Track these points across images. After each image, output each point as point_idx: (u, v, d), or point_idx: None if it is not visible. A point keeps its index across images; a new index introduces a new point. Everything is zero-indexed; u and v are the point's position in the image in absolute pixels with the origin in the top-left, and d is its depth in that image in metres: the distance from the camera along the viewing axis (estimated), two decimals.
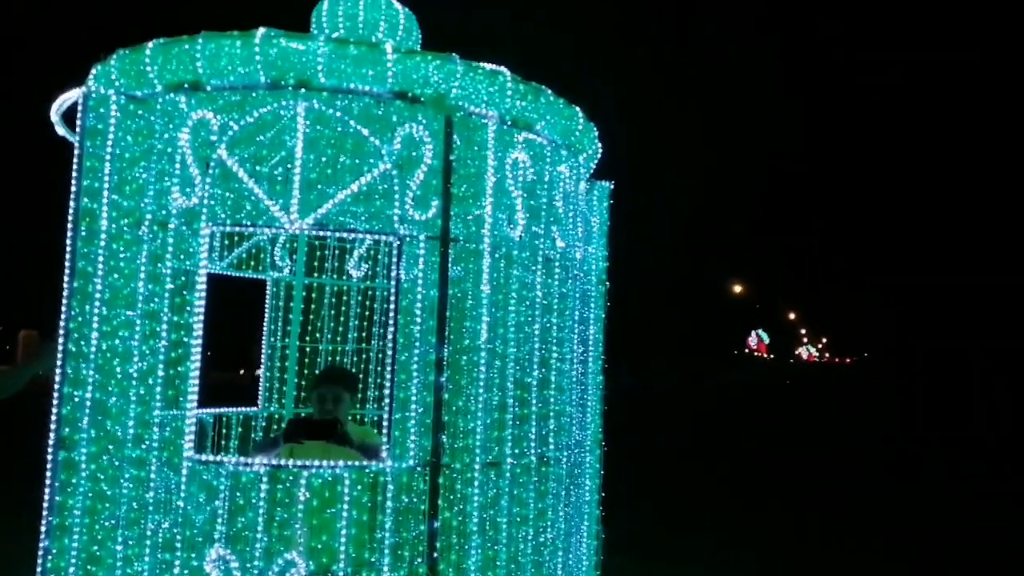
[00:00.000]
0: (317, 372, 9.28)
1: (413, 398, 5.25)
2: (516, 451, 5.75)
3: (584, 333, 7.20)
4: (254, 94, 5.21)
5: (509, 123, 5.89)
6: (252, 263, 8.69)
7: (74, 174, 5.42)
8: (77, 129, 5.56)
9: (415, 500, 5.19)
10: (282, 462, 5.08)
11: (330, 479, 5.06)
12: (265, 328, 9.28)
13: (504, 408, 5.69)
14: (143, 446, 5.29)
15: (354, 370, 9.63)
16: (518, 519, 5.77)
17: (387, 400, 5.50)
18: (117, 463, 5.25)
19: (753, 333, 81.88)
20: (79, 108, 5.51)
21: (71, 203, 5.41)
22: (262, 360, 9.38)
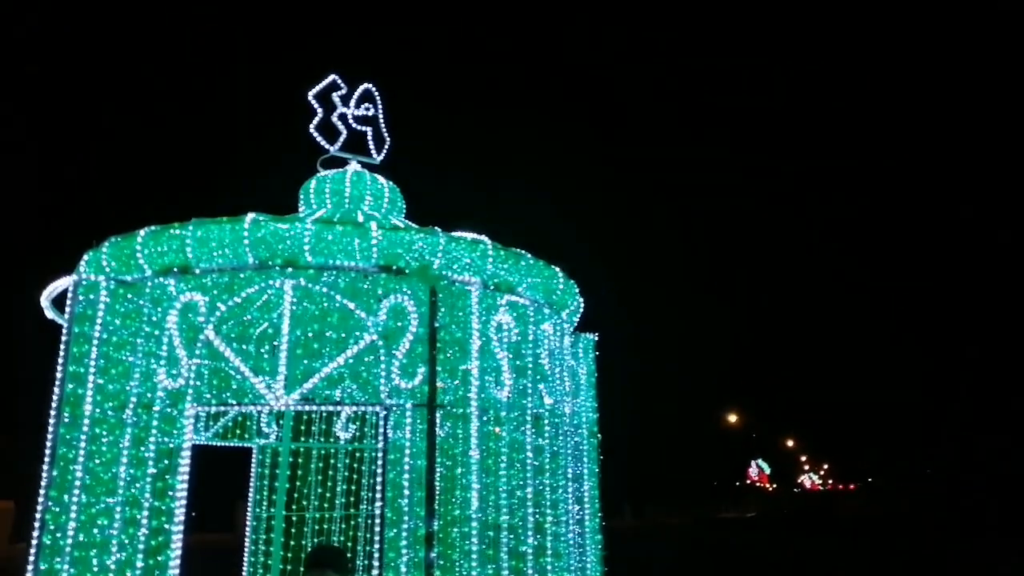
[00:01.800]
0: (304, 543, 8.94)
1: None
2: None
3: (579, 491, 7.04)
4: (242, 275, 5.37)
5: (492, 287, 6.05)
6: (238, 431, 8.57)
7: (60, 359, 5.45)
8: (66, 313, 5.65)
9: None
10: None
11: None
12: (251, 497, 9.01)
13: None
14: None
15: (342, 537, 9.27)
16: None
17: (375, 570, 5.27)
18: None
19: (753, 464, 79.95)
20: (70, 293, 5.63)
21: (55, 389, 5.40)
22: (247, 522, 9.04)
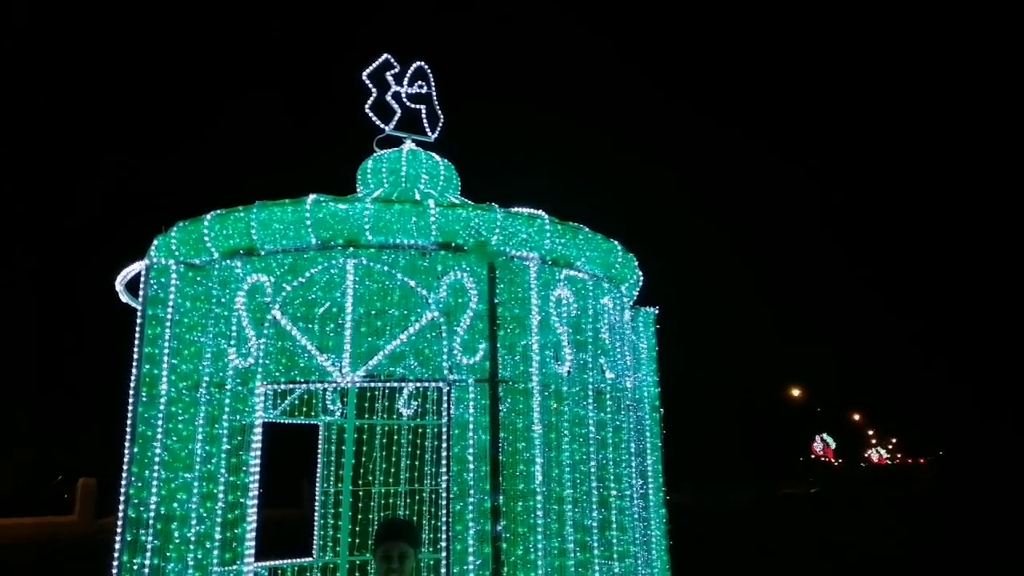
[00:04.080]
0: (371, 517, 9.16)
1: (471, 550, 5.10)
2: None
3: (642, 465, 7.00)
4: (305, 255, 5.47)
5: (550, 262, 6.02)
6: (304, 409, 8.79)
7: (136, 341, 5.67)
8: (139, 296, 5.87)
9: None
10: None
11: None
12: (318, 473, 9.27)
13: (565, 554, 5.48)
14: None
15: (407, 511, 9.47)
16: None
17: (442, 542, 5.37)
18: None
19: (817, 438, 78.27)
20: (142, 278, 5.84)
21: (133, 369, 5.62)
22: (316, 499, 9.32)
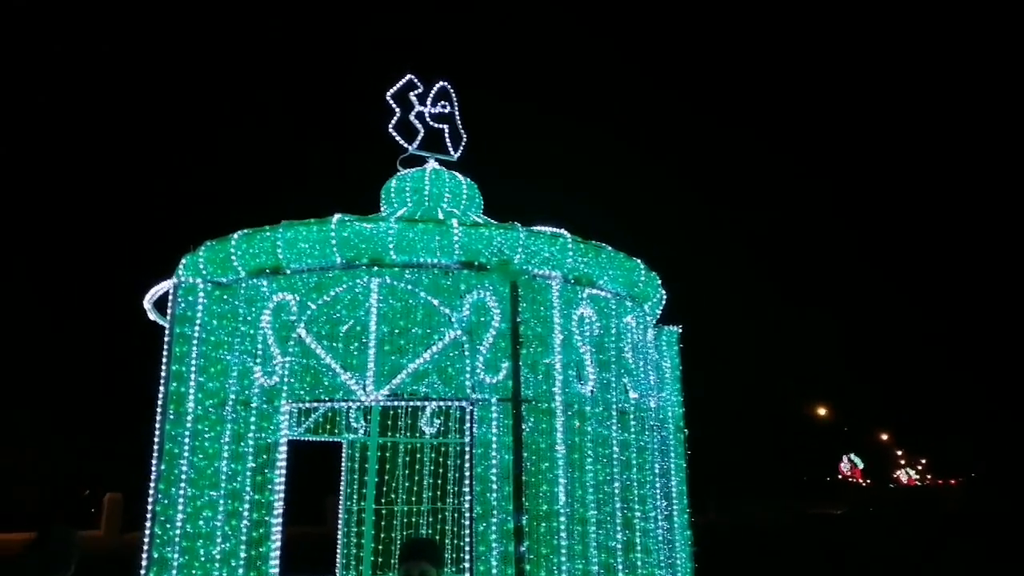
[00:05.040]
0: (394, 536, 9.15)
1: (494, 571, 5.06)
2: None
3: (667, 486, 6.93)
4: (330, 274, 5.52)
5: (573, 281, 6.01)
6: (328, 426, 8.85)
7: (163, 359, 5.73)
8: (167, 315, 5.95)
9: None
10: None
11: None
12: (342, 491, 9.30)
13: None
14: None
15: (430, 530, 9.45)
16: None
17: (466, 563, 5.35)
18: None
19: (844, 458, 76.95)
20: (170, 296, 5.92)
21: (160, 386, 5.69)
22: (339, 516, 9.33)
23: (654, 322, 7.53)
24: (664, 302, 7.54)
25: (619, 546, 5.65)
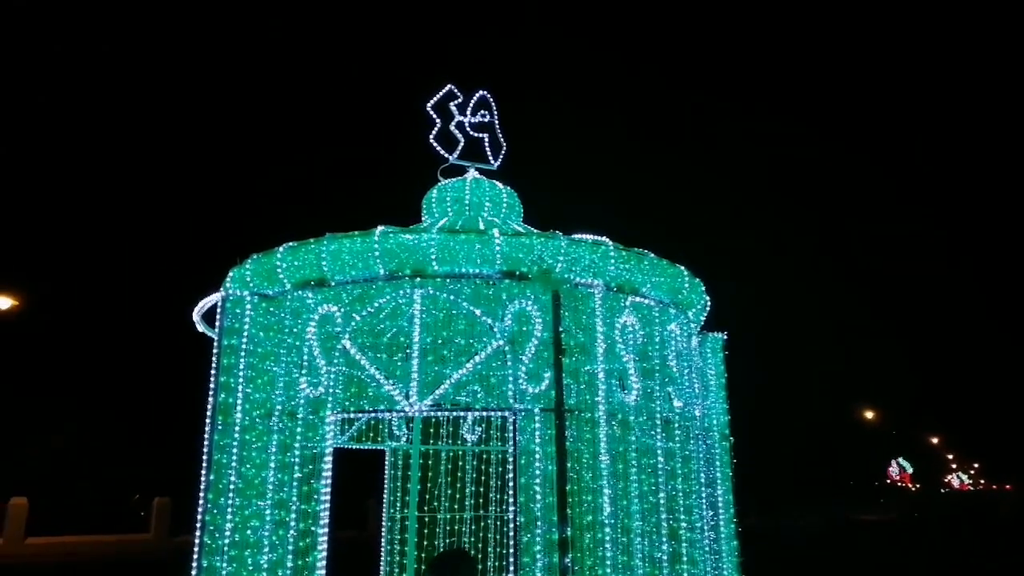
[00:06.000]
0: (437, 544, 9.18)
1: None
2: None
3: (712, 496, 6.82)
4: (374, 286, 5.56)
5: (615, 289, 5.97)
6: (371, 434, 8.92)
7: (212, 371, 5.84)
8: (215, 327, 6.06)
9: None
10: None
11: None
12: (385, 499, 9.36)
13: None
14: None
15: (472, 539, 9.45)
16: None
17: (510, 571, 5.33)
18: None
19: (893, 462, 75.01)
20: (218, 309, 6.03)
21: (209, 397, 5.80)
22: (382, 523, 9.40)
23: (698, 329, 7.43)
24: (708, 308, 7.44)
25: (665, 557, 5.58)
